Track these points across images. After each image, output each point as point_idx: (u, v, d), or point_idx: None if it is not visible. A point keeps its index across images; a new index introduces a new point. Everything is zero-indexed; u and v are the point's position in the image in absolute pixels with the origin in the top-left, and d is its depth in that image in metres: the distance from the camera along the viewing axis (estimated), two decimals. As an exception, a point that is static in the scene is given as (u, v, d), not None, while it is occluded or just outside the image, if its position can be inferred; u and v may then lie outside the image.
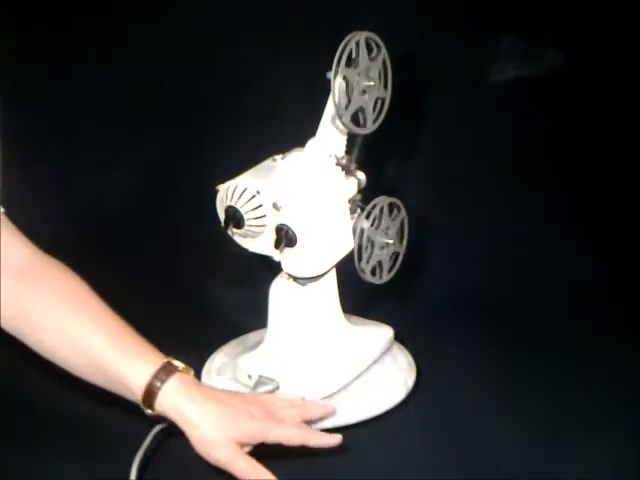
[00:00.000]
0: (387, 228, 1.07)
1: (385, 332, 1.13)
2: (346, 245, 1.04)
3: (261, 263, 1.05)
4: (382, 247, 1.06)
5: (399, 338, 1.14)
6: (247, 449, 0.92)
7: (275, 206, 0.99)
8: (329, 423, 1.00)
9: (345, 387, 1.05)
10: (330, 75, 0.95)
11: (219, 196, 1.02)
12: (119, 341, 0.93)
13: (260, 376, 1.04)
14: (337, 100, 0.96)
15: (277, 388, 1.03)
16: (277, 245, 0.99)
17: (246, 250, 1.04)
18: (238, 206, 1.00)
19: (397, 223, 1.08)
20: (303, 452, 0.93)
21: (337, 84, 0.96)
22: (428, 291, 1.27)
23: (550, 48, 1.29)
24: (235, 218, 1.00)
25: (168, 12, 1.25)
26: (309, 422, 0.97)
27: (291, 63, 1.24)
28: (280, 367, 1.04)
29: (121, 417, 0.97)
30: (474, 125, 1.32)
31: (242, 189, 1.00)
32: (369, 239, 1.04)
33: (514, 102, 1.31)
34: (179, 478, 0.94)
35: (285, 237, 0.98)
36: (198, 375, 1.07)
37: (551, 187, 1.32)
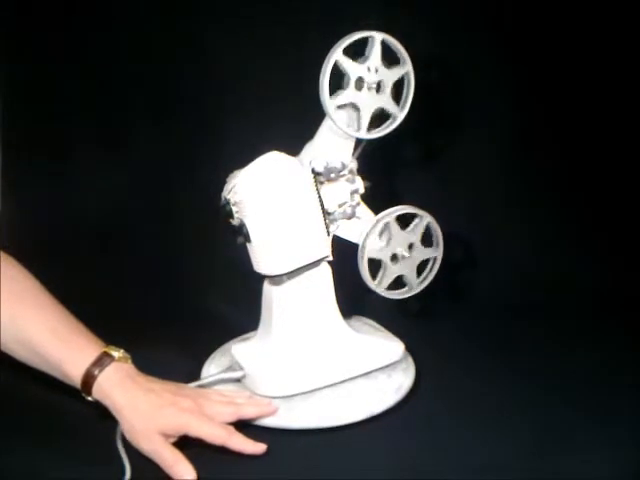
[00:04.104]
0: (403, 241, 1.05)
1: (392, 347, 1.09)
2: (317, 250, 1.03)
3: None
4: (396, 261, 1.05)
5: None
6: (172, 440, 0.94)
7: (229, 202, 1.00)
8: (269, 421, 1.00)
9: (312, 392, 1.03)
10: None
11: (226, 187, 1.04)
12: (60, 333, 0.98)
13: (236, 362, 1.06)
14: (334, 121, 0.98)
15: (243, 377, 1.04)
16: (235, 238, 1.01)
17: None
18: (229, 198, 1.01)
19: (418, 231, 1.06)
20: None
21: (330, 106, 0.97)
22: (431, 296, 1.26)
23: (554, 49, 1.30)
24: (225, 210, 1.02)
25: (168, 12, 1.25)
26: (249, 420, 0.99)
27: (294, 62, 1.23)
28: (257, 359, 1.05)
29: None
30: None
31: (234, 183, 1.02)
32: (376, 257, 1.04)
33: (523, 103, 1.31)
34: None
35: (240, 232, 1.00)
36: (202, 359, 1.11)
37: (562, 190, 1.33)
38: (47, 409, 1.03)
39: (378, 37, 0.99)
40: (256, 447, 0.94)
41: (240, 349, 1.08)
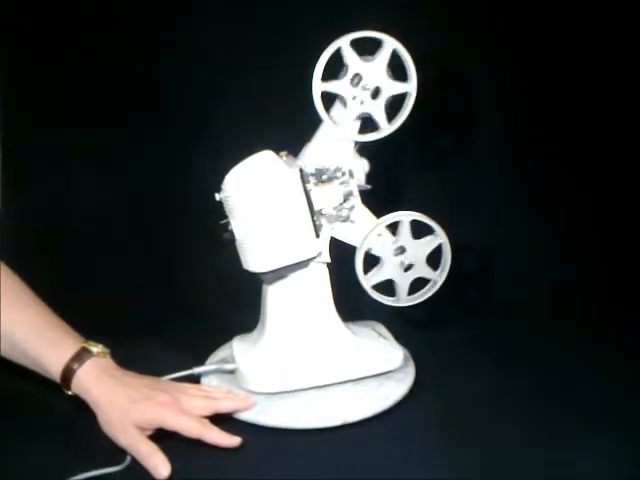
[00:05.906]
0: (411, 247, 1.03)
1: (389, 355, 1.06)
2: (304, 250, 1.01)
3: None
4: (394, 265, 1.03)
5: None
6: (148, 433, 0.95)
7: (215, 200, 1.01)
8: (247, 416, 1.00)
9: (295, 392, 1.03)
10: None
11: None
12: (40, 329, 0.99)
13: (231, 355, 1.07)
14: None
15: (235, 370, 1.05)
16: (222, 234, 1.01)
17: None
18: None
19: (428, 246, 1.03)
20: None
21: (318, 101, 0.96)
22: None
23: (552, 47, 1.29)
24: (223, 209, 1.02)
25: (169, 12, 1.25)
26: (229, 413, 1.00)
27: (296, 62, 1.23)
28: (248, 354, 1.06)
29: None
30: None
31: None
32: (371, 251, 1.03)
33: (524, 104, 1.31)
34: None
35: (226, 229, 1.01)
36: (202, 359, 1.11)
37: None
38: (43, 406, 1.03)
39: (391, 43, 0.96)
40: (231, 440, 0.95)
41: (239, 343, 1.09)
